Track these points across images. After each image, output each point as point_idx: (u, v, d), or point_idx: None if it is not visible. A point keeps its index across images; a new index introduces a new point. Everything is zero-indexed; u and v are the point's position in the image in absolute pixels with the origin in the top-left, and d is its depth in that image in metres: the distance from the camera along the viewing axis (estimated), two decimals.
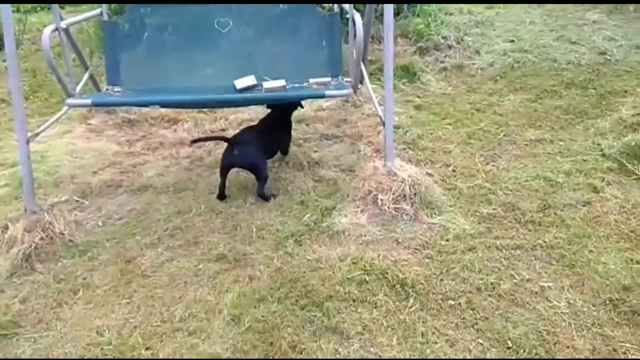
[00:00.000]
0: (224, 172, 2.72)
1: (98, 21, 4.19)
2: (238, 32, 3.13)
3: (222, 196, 2.73)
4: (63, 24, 2.75)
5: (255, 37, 3.12)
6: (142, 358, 1.88)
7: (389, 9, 2.55)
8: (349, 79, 2.98)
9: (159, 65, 3.09)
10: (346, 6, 3.02)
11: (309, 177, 2.89)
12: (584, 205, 2.57)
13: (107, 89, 3.03)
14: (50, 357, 1.92)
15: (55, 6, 2.72)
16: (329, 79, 2.94)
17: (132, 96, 2.95)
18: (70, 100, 2.66)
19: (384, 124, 2.68)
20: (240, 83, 2.78)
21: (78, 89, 2.99)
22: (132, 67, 3.06)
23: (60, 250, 2.41)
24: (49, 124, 2.77)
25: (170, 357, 1.88)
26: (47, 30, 2.54)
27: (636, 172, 2.76)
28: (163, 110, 3.57)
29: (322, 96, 2.75)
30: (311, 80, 2.89)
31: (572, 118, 3.37)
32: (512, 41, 4.35)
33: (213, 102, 2.92)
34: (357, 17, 2.58)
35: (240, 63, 2.99)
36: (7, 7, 2.44)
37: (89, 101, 2.72)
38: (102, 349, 1.93)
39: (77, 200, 2.74)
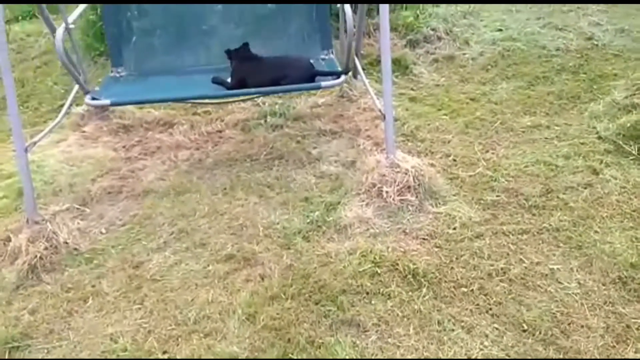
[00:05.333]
0: None
1: (83, 27, 4.21)
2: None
3: None
4: (70, 22, 2.79)
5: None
6: None
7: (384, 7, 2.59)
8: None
9: (162, 46, 3.22)
10: None
11: (311, 174, 2.87)
12: (585, 188, 2.60)
13: (111, 71, 3.18)
14: None
15: (63, 7, 2.76)
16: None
17: (146, 94, 3.04)
18: (90, 100, 2.73)
19: (383, 117, 2.69)
20: None
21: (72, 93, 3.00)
22: (134, 48, 3.19)
23: (66, 259, 2.37)
24: (47, 131, 2.73)
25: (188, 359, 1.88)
26: (61, 30, 2.60)
27: (633, 152, 2.80)
28: (157, 114, 3.55)
29: (318, 88, 2.84)
30: None
31: (566, 103, 3.41)
32: (500, 30, 4.36)
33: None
34: (347, 6, 2.69)
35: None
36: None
37: (107, 101, 2.78)
38: (117, 355, 1.92)
39: (78, 209, 2.70)
